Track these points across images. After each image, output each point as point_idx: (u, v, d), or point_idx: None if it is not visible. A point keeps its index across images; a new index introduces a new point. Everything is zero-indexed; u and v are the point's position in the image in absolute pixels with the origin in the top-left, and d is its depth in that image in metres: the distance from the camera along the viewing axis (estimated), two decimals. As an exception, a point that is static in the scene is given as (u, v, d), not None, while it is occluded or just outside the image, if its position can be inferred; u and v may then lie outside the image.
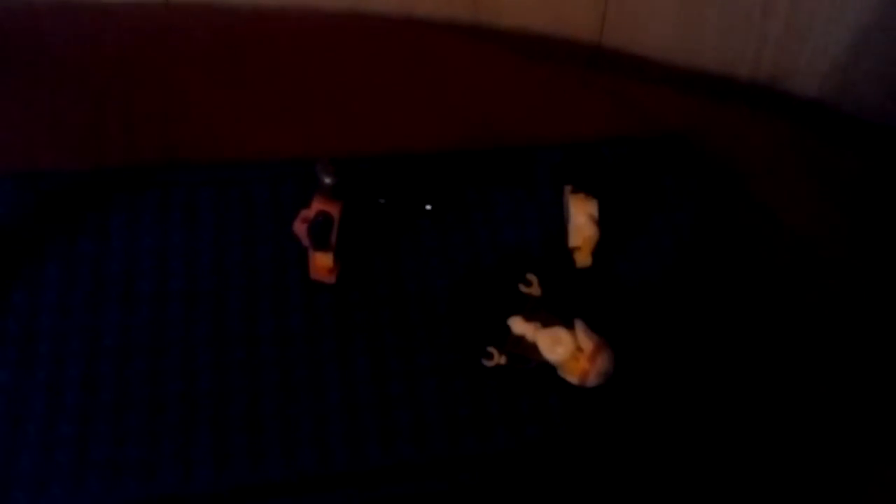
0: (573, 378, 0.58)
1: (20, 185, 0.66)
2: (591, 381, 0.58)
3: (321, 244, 0.60)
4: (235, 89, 0.77)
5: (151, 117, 0.73)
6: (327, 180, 0.60)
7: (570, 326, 0.59)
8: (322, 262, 0.62)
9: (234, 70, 0.79)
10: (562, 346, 0.58)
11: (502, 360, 0.60)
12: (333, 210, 0.60)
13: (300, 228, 0.62)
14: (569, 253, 0.65)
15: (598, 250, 0.65)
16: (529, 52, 0.90)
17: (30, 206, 0.65)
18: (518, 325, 0.60)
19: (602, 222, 0.64)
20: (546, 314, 0.60)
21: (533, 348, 0.59)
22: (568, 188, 0.65)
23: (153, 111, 0.74)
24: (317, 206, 0.61)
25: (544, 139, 0.75)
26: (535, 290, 0.62)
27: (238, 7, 0.86)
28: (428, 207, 0.66)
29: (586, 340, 0.58)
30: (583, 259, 0.64)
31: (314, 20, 0.86)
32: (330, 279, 0.63)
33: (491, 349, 0.60)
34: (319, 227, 0.60)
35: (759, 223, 0.72)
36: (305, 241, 0.62)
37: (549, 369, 0.59)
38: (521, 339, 0.60)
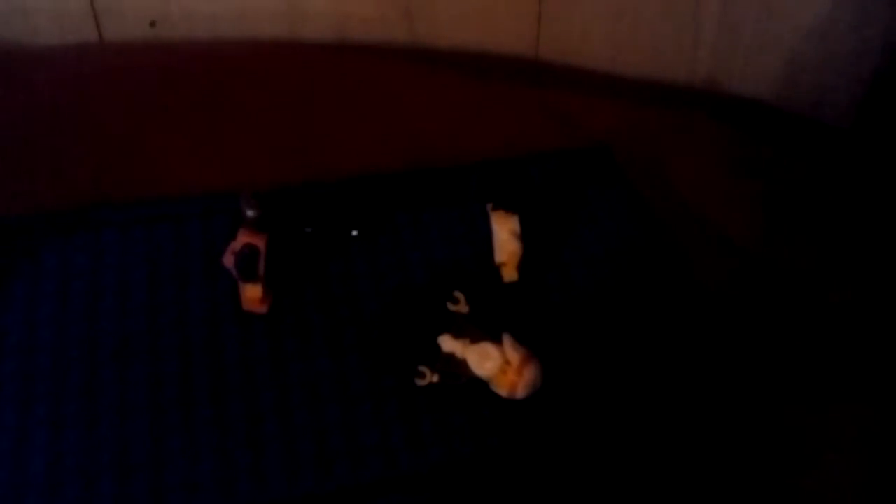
0: (503, 391, 0.59)
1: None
2: (520, 392, 0.59)
3: (249, 276, 0.61)
4: (169, 125, 0.78)
5: (82, 158, 0.74)
6: (250, 213, 0.61)
7: (497, 341, 0.60)
8: (252, 294, 0.63)
9: (166, 106, 0.79)
10: (490, 361, 0.59)
11: (434, 378, 0.61)
12: (259, 242, 0.61)
13: (229, 260, 0.63)
14: (496, 269, 0.66)
15: (526, 264, 0.66)
16: (467, 70, 0.91)
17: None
18: (447, 343, 0.61)
19: (527, 237, 0.65)
20: (474, 330, 0.61)
21: (463, 364, 0.60)
22: (489, 205, 0.66)
23: (83, 152, 0.74)
24: (242, 238, 0.61)
25: (478, 156, 0.76)
26: (462, 308, 0.63)
27: (172, 41, 0.87)
28: (354, 233, 0.67)
29: (513, 354, 0.59)
30: (509, 274, 0.66)
31: (248, 50, 0.87)
32: (262, 309, 0.64)
33: (423, 368, 0.61)
34: (246, 260, 0.61)
35: (687, 225, 0.73)
36: (234, 274, 0.63)
37: (480, 384, 0.60)
38: (451, 357, 0.61)
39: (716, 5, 0.87)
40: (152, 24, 0.87)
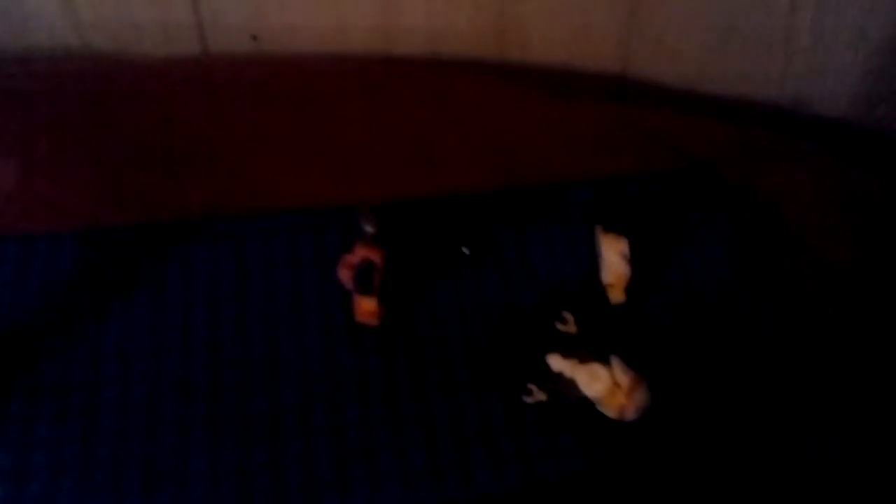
0: (612, 412, 0.61)
1: (81, 241, 0.69)
2: (630, 415, 0.60)
3: (365, 289, 0.63)
4: (274, 138, 0.80)
5: (196, 169, 0.76)
6: (369, 229, 0.63)
7: (606, 362, 0.61)
8: (367, 306, 0.65)
9: (272, 119, 0.82)
10: (600, 382, 0.60)
11: (542, 396, 0.62)
12: (376, 257, 0.63)
13: (344, 274, 0.65)
14: (602, 290, 0.67)
15: (631, 286, 0.67)
16: (555, 87, 0.92)
17: (90, 261, 0.68)
18: (556, 362, 0.62)
19: (634, 259, 0.66)
20: (583, 351, 0.62)
21: (571, 384, 0.61)
22: (599, 227, 0.67)
23: (197, 163, 0.77)
24: (360, 252, 0.64)
25: (573, 175, 0.77)
26: (571, 328, 0.65)
27: (271, 55, 0.89)
28: (466, 251, 0.69)
29: (623, 376, 0.60)
30: (616, 296, 0.67)
31: (346, 65, 0.89)
32: (374, 322, 0.66)
33: (531, 386, 0.62)
34: (363, 274, 0.63)
35: (789, 249, 0.74)
36: (349, 286, 0.65)
37: (587, 404, 0.61)
38: (559, 376, 0.62)
39: (808, 25, 0.87)
40: (254, 38, 0.90)
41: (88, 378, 0.63)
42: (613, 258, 0.65)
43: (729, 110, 0.94)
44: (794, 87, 0.91)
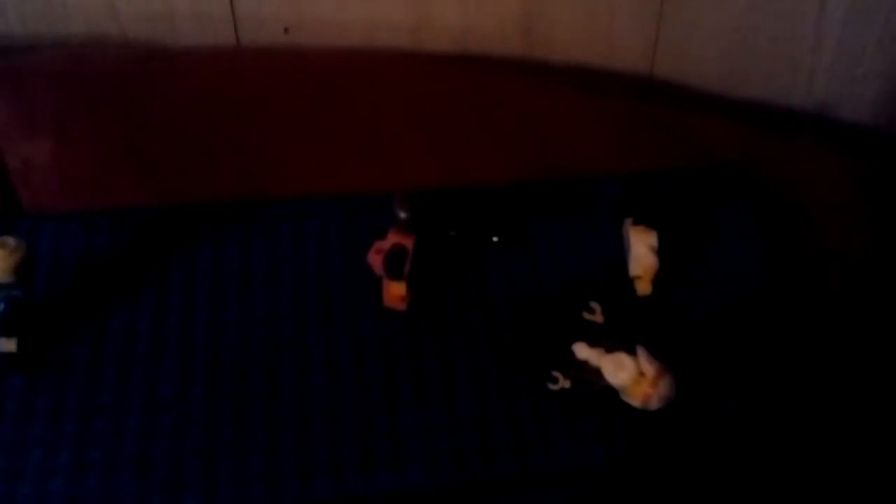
0: (636, 402, 0.61)
1: (116, 220, 0.71)
2: (654, 404, 0.61)
3: (396, 274, 0.64)
4: (305, 128, 0.81)
5: (230, 156, 0.78)
6: (402, 215, 0.64)
7: (632, 352, 0.62)
8: (396, 291, 0.66)
9: (303, 109, 0.82)
10: (625, 371, 0.61)
11: (567, 383, 0.63)
12: (408, 242, 0.64)
13: (374, 259, 0.66)
14: (629, 282, 0.68)
15: (658, 279, 0.67)
16: (583, 84, 0.92)
17: (124, 240, 0.70)
18: (582, 351, 0.63)
19: (661, 252, 0.67)
20: (609, 340, 0.63)
21: (597, 373, 0.62)
22: (628, 220, 0.68)
23: (231, 150, 0.78)
24: (392, 238, 0.65)
25: (600, 171, 0.78)
26: (598, 318, 0.65)
27: (305, 48, 0.90)
28: (495, 239, 0.69)
29: (648, 366, 0.61)
30: (643, 288, 0.67)
31: (376, 60, 0.90)
32: (402, 307, 0.67)
33: (556, 373, 0.63)
34: (395, 258, 0.64)
35: (813, 248, 0.74)
36: (379, 271, 0.66)
37: (612, 393, 0.62)
38: (585, 364, 0.63)
39: (836, 29, 0.87)
40: (286, 30, 0.91)
41: (121, 352, 0.64)
42: (642, 250, 0.66)
43: (755, 113, 0.94)
44: (821, 90, 0.92)
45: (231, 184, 0.75)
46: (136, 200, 0.73)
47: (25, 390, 0.62)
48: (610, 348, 0.62)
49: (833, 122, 0.93)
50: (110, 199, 0.73)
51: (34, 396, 0.61)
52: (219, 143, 0.79)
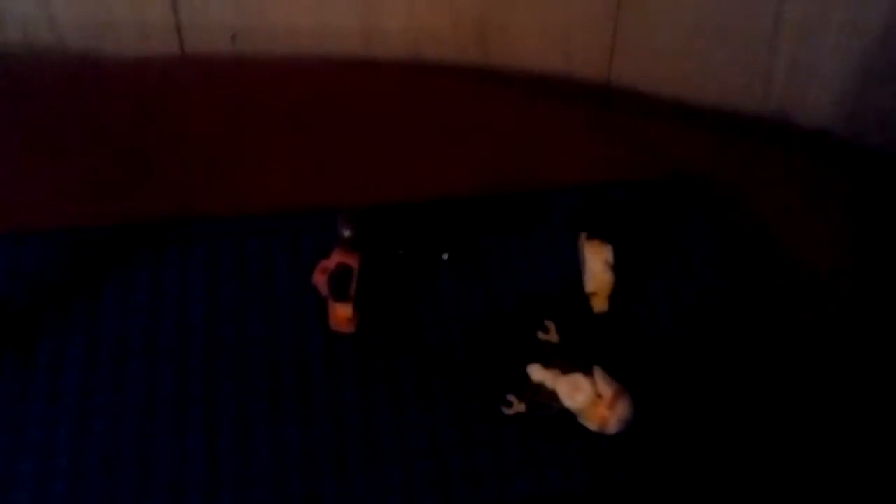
0: (593, 425, 0.59)
1: (47, 241, 0.67)
2: (611, 427, 0.59)
3: (341, 295, 0.61)
4: (250, 139, 0.78)
5: (170, 170, 0.75)
6: (346, 233, 0.61)
7: (588, 373, 0.59)
8: (342, 313, 0.63)
9: (248, 120, 0.80)
10: (581, 394, 0.59)
11: (522, 407, 0.60)
12: (353, 262, 0.61)
13: (319, 279, 0.63)
14: (585, 298, 0.66)
15: (615, 295, 0.65)
16: (538, 92, 0.91)
17: (56, 262, 0.66)
18: (537, 373, 0.61)
19: (618, 267, 0.65)
20: (564, 361, 0.61)
21: (552, 395, 0.60)
22: (583, 235, 0.66)
23: (172, 164, 0.75)
24: (336, 257, 0.62)
25: (556, 182, 0.76)
26: (552, 337, 0.63)
27: (250, 56, 0.88)
28: (445, 257, 0.67)
29: (605, 387, 0.59)
30: (599, 304, 0.65)
31: (326, 67, 0.88)
32: (349, 329, 0.64)
33: (510, 397, 0.61)
34: (339, 279, 0.61)
35: (774, 258, 0.73)
36: (324, 292, 0.63)
37: (568, 416, 0.60)
38: (540, 387, 0.60)
39: (792, 35, 0.87)
40: (233, 38, 0.89)
41: (49, 385, 0.60)
42: (597, 266, 0.64)
43: (715, 118, 0.93)
44: (780, 94, 0.91)
45: (173, 200, 0.72)
46: (74, 219, 0.70)
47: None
48: (566, 369, 0.60)
49: (793, 126, 0.93)
50: (47, 218, 0.70)
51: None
52: (160, 157, 0.76)
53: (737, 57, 0.89)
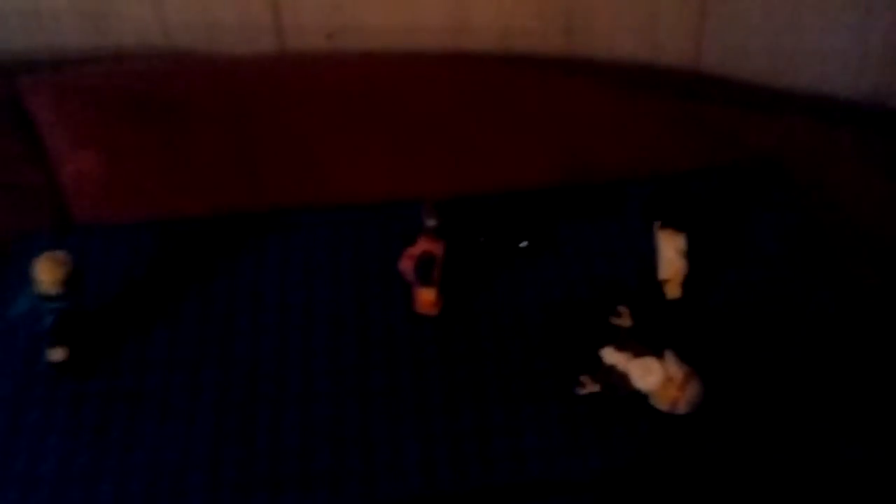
0: (663, 406, 0.61)
1: (159, 231, 0.74)
2: (681, 408, 0.61)
3: (426, 280, 0.66)
4: (346, 133, 0.82)
5: (270, 165, 0.80)
6: (431, 223, 0.65)
7: (660, 356, 0.62)
8: (427, 297, 0.67)
9: (345, 114, 0.84)
10: (652, 376, 0.61)
11: (595, 388, 0.63)
12: (437, 249, 0.65)
13: (406, 266, 0.67)
14: (659, 285, 0.68)
15: (689, 282, 0.67)
16: (623, 83, 0.91)
17: (167, 250, 0.73)
18: (610, 356, 0.63)
19: (692, 254, 0.66)
20: (636, 344, 0.63)
21: (625, 377, 0.62)
22: (657, 223, 0.68)
23: (271, 158, 0.80)
24: (422, 245, 0.66)
25: (640, 170, 0.77)
26: (626, 322, 0.65)
27: (345, 53, 0.92)
28: (523, 245, 0.70)
29: (676, 370, 0.61)
30: (672, 291, 0.67)
31: (417, 63, 0.91)
32: (433, 312, 0.68)
33: (584, 378, 0.63)
34: (424, 265, 0.65)
35: (854, 247, 0.72)
36: (410, 278, 0.67)
37: (640, 397, 0.62)
38: (612, 369, 0.63)
39: (885, 19, 0.85)
40: (329, 36, 0.92)
41: (165, 359, 0.67)
42: (670, 254, 0.66)
43: (808, 105, 0.92)
44: (870, 82, 0.89)
45: (271, 193, 0.78)
46: (180, 210, 0.76)
47: (73, 397, 0.64)
48: (638, 353, 0.62)
49: (881, 114, 0.90)
50: (156, 208, 0.76)
51: (81, 405, 0.64)
52: (260, 151, 0.81)
53: (828, 42, 0.87)
